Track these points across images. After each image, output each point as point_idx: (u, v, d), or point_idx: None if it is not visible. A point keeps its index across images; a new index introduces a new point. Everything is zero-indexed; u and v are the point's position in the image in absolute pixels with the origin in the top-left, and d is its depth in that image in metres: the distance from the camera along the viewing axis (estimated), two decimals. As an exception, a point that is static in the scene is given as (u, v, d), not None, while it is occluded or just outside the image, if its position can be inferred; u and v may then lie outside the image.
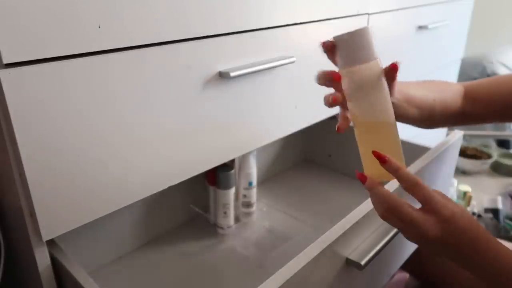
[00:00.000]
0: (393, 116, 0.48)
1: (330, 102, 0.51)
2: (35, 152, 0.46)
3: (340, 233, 0.52)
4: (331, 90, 0.53)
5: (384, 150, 0.46)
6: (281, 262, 0.47)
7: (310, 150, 1.12)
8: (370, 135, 0.48)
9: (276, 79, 0.72)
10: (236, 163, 0.83)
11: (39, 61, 0.43)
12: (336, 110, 0.93)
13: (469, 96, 0.70)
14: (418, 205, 0.49)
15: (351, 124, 0.51)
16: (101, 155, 0.52)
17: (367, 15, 0.91)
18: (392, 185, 0.63)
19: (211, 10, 0.58)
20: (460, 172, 1.85)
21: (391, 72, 0.49)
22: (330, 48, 0.50)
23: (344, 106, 0.52)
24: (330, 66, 0.89)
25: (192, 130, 0.61)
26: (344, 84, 0.48)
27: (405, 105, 0.62)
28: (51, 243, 0.53)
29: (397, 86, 0.55)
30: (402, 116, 0.63)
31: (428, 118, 0.66)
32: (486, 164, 1.85)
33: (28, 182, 0.46)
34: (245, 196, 0.84)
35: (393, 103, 0.51)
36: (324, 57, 0.82)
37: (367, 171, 0.49)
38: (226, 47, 0.62)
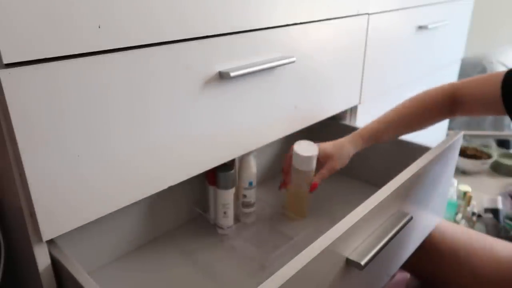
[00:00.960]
0: (306, 191, 0.83)
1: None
2: (35, 152, 0.46)
3: (340, 233, 0.52)
4: None
5: (298, 202, 0.87)
6: (281, 262, 0.47)
7: (310, 150, 1.12)
8: (294, 195, 0.87)
9: (276, 79, 0.72)
10: (236, 163, 0.83)
11: (39, 61, 0.43)
12: (333, 111, 0.94)
13: (454, 96, 0.77)
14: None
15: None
16: (101, 155, 0.52)
17: (367, 15, 0.91)
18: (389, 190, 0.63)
19: (211, 10, 0.58)
20: (460, 172, 1.85)
21: (312, 187, 0.82)
22: (289, 159, 0.84)
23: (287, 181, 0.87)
24: (330, 66, 0.90)
25: (192, 130, 0.61)
26: (292, 172, 0.84)
27: (377, 143, 0.83)
28: (51, 243, 0.53)
29: (365, 139, 0.82)
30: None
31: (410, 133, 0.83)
32: (486, 164, 1.85)
33: (28, 182, 0.46)
34: (245, 196, 0.84)
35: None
36: (323, 58, 0.83)
37: (287, 210, 0.88)
38: (226, 47, 0.62)
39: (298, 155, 0.80)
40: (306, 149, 0.80)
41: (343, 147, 0.80)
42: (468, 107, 0.76)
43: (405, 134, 0.84)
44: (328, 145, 0.81)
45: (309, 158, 0.79)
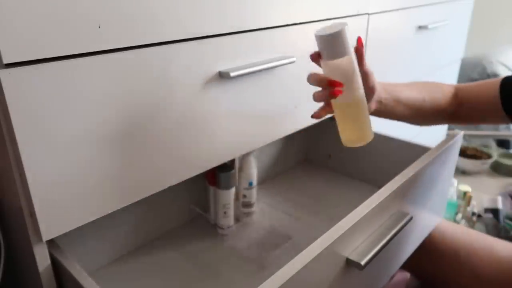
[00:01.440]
0: (363, 95, 0.57)
1: (315, 98, 0.57)
2: (35, 152, 0.46)
3: (340, 233, 0.52)
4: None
5: (358, 120, 0.58)
6: (281, 262, 0.47)
7: (310, 150, 1.12)
8: (347, 111, 0.58)
9: (276, 79, 0.72)
10: (236, 163, 0.83)
11: (39, 61, 0.43)
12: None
13: (457, 97, 0.76)
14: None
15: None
16: (101, 155, 0.52)
17: (367, 15, 0.91)
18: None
19: (211, 10, 0.58)
20: (460, 172, 1.85)
21: (358, 46, 0.57)
22: (316, 57, 0.56)
23: (326, 101, 0.58)
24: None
25: (191, 129, 0.61)
26: (325, 73, 0.56)
27: (394, 104, 0.69)
28: (51, 243, 0.53)
29: (383, 85, 0.68)
30: (391, 114, 0.71)
31: (418, 116, 0.75)
32: (486, 164, 1.85)
33: (28, 182, 0.46)
34: (245, 196, 0.84)
35: (381, 102, 0.67)
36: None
37: (344, 138, 0.60)
38: (226, 47, 0.62)
39: (330, 37, 0.52)
40: (330, 28, 0.53)
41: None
42: (468, 108, 0.76)
43: (411, 120, 0.76)
44: None
45: (340, 34, 0.52)
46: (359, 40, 0.57)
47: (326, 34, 0.52)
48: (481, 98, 0.74)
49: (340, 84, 0.54)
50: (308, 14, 0.75)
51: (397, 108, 0.71)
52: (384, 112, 0.70)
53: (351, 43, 0.54)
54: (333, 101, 0.57)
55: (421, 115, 0.75)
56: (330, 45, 0.53)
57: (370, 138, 0.59)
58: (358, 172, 1.01)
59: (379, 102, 0.67)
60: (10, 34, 0.40)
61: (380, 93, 0.66)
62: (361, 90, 0.57)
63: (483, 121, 0.77)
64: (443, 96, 0.76)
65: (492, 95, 0.72)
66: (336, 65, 0.54)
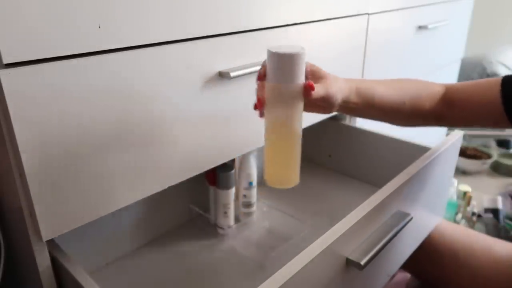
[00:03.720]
0: (298, 132, 0.52)
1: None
2: (35, 152, 0.46)
3: (340, 233, 0.52)
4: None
5: (286, 158, 0.53)
6: (281, 262, 0.47)
7: (310, 150, 1.12)
8: (276, 144, 0.53)
9: (276, 79, 0.72)
10: (236, 163, 0.83)
11: (39, 61, 0.43)
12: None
13: (447, 98, 0.69)
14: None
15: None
16: (101, 155, 0.52)
17: (367, 15, 0.91)
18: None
19: (211, 10, 0.58)
20: (460, 172, 1.85)
21: (306, 91, 0.51)
22: (262, 76, 0.52)
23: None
24: (330, 66, 0.89)
25: (192, 130, 0.61)
26: (266, 94, 0.51)
27: (365, 109, 0.63)
28: (51, 243, 0.53)
29: (356, 87, 0.61)
30: (361, 115, 0.66)
31: (395, 119, 0.69)
32: (486, 164, 1.85)
33: (28, 182, 0.46)
34: (245, 196, 0.84)
35: (348, 104, 0.60)
36: (323, 58, 0.83)
37: (267, 176, 0.55)
38: (226, 47, 0.62)
39: (278, 55, 0.48)
40: (288, 48, 0.49)
41: (338, 80, 0.59)
42: (461, 111, 0.67)
43: (386, 121, 0.70)
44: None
45: (295, 57, 0.48)
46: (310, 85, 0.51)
47: (279, 52, 0.47)
48: (478, 99, 0.65)
49: (260, 106, 0.51)
50: (308, 14, 0.75)
51: (369, 112, 0.65)
52: (351, 113, 0.66)
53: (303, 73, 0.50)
54: (266, 125, 0.53)
55: (399, 118, 0.69)
56: (279, 66, 0.48)
57: (293, 183, 0.54)
58: (358, 172, 1.01)
59: (345, 105, 0.61)
60: (10, 34, 0.40)
61: (346, 96, 0.59)
62: (297, 126, 0.52)
63: (477, 124, 0.69)
64: (429, 97, 0.68)
65: (491, 96, 0.64)
66: (278, 92, 0.50)
